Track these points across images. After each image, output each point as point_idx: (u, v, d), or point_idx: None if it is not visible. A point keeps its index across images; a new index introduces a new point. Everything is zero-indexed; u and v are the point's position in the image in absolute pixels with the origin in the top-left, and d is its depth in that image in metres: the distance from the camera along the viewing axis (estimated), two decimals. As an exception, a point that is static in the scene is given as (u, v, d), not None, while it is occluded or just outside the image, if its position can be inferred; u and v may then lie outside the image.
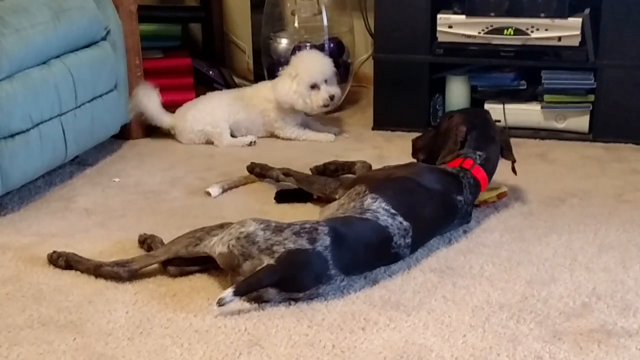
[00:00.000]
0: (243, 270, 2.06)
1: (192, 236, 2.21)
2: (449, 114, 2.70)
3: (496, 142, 2.59)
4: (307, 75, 3.26)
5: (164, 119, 3.33)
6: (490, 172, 2.54)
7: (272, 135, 3.40)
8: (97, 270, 2.21)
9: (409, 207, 2.27)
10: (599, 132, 3.26)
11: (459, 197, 2.40)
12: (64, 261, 2.26)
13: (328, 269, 2.06)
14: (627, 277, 2.19)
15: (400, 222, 2.22)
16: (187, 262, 2.21)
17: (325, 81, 3.29)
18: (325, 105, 3.31)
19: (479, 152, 2.51)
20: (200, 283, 2.17)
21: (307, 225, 2.11)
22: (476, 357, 1.84)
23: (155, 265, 2.23)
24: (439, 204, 2.36)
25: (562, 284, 2.16)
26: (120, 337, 1.94)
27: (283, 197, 2.73)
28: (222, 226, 2.20)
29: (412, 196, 2.32)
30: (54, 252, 2.29)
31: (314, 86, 3.27)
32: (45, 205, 2.73)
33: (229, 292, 1.99)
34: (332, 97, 3.29)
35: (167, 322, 2.00)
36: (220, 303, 1.97)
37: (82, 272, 2.23)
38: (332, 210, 2.36)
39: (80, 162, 3.09)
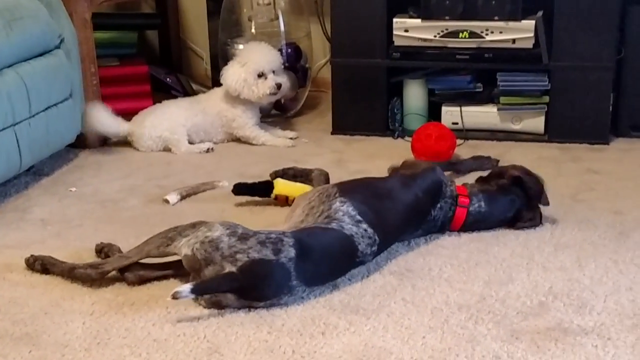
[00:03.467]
0: (204, 275, 2.05)
1: (165, 236, 2.18)
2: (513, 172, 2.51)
3: (501, 219, 2.47)
4: (254, 63, 3.31)
5: (121, 128, 3.31)
6: (469, 226, 2.44)
7: (233, 140, 3.39)
8: (70, 272, 2.21)
9: (376, 214, 2.24)
10: (554, 132, 3.30)
11: (431, 209, 2.38)
12: (40, 265, 2.26)
13: (290, 280, 2.05)
14: (583, 275, 2.21)
15: (365, 230, 2.21)
16: (145, 268, 2.20)
17: (274, 72, 3.34)
18: (273, 94, 3.33)
19: (482, 203, 2.43)
20: (159, 292, 2.15)
21: (273, 235, 2.09)
22: (435, 359, 1.85)
23: (112, 274, 2.20)
24: (407, 211, 2.34)
25: (520, 283, 2.18)
26: (77, 348, 1.92)
27: (240, 190, 2.71)
28: (194, 226, 2.17)
29: (380, 202, 2.30)
30: (31, 256, 2.29)
31: (261, 75, 3.31)
32: (0, 216, 2.69)
33: (186, 287, 1.97)
34: (279, 86, 3.32)
35: (125, 332, 1.98)
36: (176, 296, 1.95)
37: (56, 275, 2.23)
38: (298, 215, 2.31)
39: (36, 172, 3.05)
